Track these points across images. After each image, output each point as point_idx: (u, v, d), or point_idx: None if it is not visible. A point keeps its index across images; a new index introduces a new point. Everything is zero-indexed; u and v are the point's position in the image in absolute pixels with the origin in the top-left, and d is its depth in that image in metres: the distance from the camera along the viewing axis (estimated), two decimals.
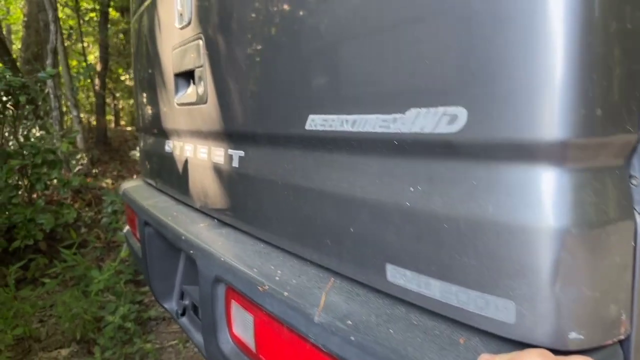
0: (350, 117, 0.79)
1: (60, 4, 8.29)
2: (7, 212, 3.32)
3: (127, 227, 2.27)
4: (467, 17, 0.60)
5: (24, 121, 6.10)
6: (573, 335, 0.56)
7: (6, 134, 3.92)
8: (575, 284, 0.55)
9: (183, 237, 1.29)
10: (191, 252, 1.22)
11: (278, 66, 0.99)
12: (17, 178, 3.43)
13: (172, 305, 1.74)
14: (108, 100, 11.95)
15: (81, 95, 11.38)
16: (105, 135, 9.85)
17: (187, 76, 1.53)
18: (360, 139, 0.78)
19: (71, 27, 10.23)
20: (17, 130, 3.55)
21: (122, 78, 12.06)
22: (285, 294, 0.84)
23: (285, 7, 0.95)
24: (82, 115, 10.72)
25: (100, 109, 9.53)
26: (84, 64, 10.09)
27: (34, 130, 6.38)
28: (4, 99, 3.36)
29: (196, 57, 1.35)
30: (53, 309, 3.16)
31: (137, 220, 1.84)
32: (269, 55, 1.02)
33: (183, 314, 1.67)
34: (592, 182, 0.56)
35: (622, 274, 0.58)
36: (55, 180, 3.63)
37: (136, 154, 5.66)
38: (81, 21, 9.37)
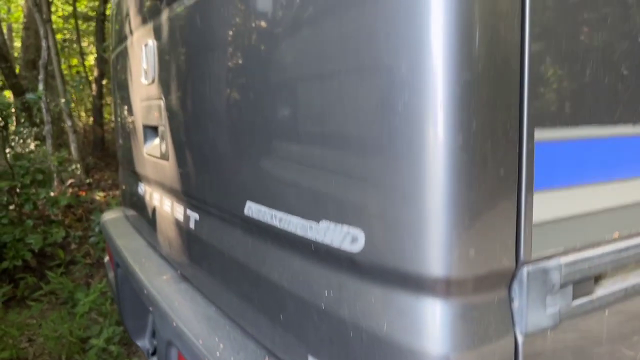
0: (278, 214, 0.84)
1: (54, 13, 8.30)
2: None
3: (107, 258, 2.31)
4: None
5: (21, 130, 6.15)
6: None
7: None
8: None
9: (145, 292, 1.34)
10: (151, 309, 1.27)
11: (225, 143, 1.04)
12: (5, 198, 3.48)
13: (144, 343, 1.79)
14: (109, 103, 11.95)
15: (79, 95, 11.37)
16: (102, 141, 9.89)
17: (153, 129, 1.58)
18: (286, 237, 0.83)
19: (66, 32, 10.24)
20: (5, 150, 3.60)
21: None
22: None
23: (236, 95, 1.00)
24: (82, 114, 10.69)
25: (97, 115, 9.57)
26: (81, 69, 10.11)
27: (29, 140, 6.43)
28: None
29: (159, 116, 1.39)
30: (42, 329, 3.22)
31: (113, 259, 1.90)
32: (217, 130, 1.06)
33: (154, 353, 1.72)
34: (473, 311, 0.61)
35: None
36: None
37: None
38: (79, 22, 9.36)
